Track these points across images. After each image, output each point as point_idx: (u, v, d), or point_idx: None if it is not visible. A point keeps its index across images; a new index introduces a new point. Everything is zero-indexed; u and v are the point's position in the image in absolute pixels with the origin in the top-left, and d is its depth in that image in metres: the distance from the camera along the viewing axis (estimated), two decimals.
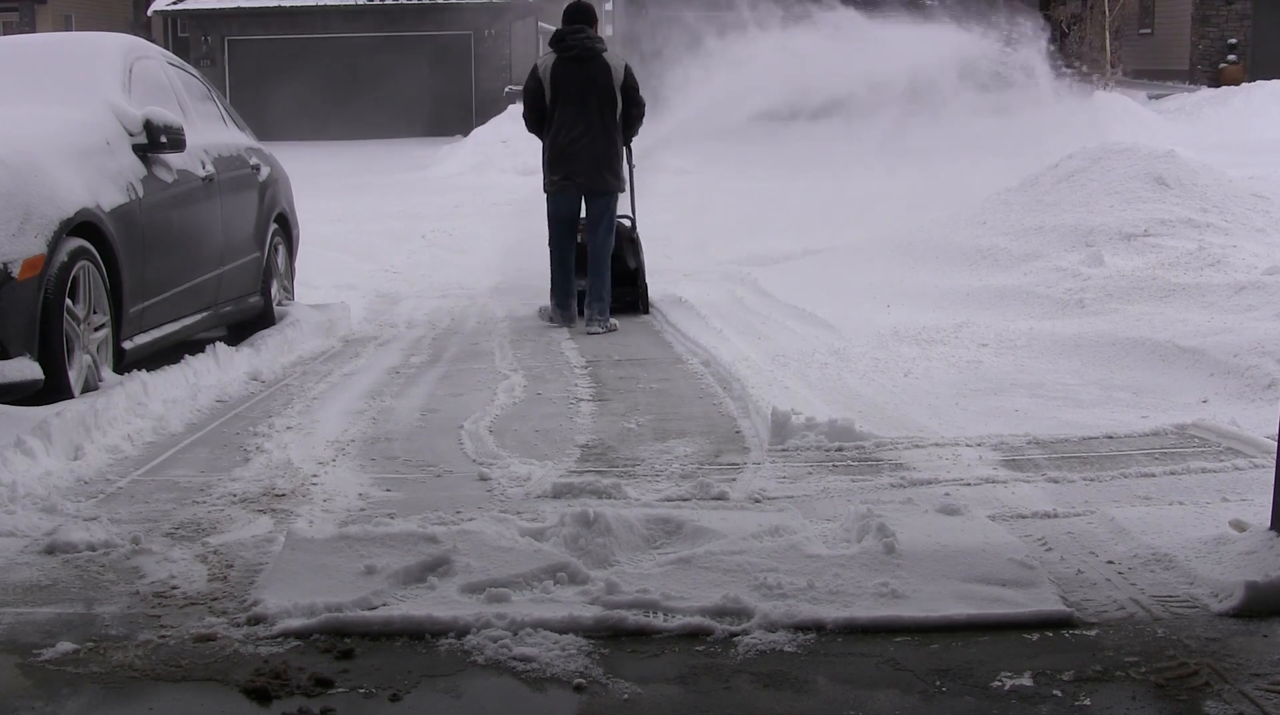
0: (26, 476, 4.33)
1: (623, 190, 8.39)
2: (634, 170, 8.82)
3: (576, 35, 8.12)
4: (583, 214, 8.40)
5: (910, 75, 14.82)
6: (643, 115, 8.41)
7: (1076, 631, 3.14)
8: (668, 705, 2.80)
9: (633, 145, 8.62)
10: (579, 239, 8.43)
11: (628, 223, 8.96)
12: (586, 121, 8.07)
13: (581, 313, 8.37)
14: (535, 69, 8.25)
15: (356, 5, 29.74)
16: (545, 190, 8.34)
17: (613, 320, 8.26)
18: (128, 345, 5.95)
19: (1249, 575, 3.29)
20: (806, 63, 13.13)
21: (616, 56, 8.18)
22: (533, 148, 9.21)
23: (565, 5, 8.42)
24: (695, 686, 2.88)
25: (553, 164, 8.19)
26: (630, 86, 8.17)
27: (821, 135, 15.77)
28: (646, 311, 8.91)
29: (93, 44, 6.96)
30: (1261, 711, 2.73)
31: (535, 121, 8.33)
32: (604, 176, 8.15)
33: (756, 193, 15.50)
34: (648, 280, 9.08)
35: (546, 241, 8.50)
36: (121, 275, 5.79)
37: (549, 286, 8.57)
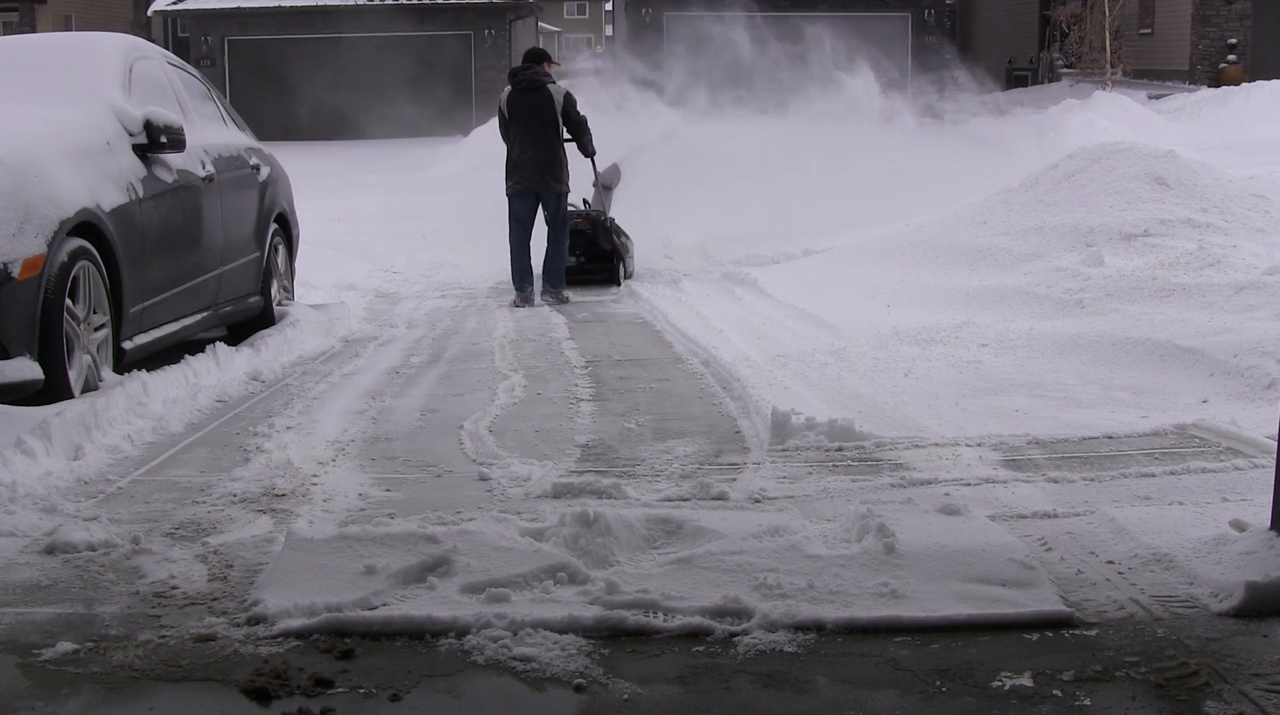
0: (26, 476, 4.33)
1: (564, 189, 10.20)
2: (618, 180, 11.24)
3: (526, 71, 10.19)
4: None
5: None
6: (587, 130, 10.33)
7: (1076, 631, 3.14)
8: (668, 705, 2.80)
9: (617, 162, 10.96)
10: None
11: (603, 216, 10.97)
12: (532, 138, 10.02)
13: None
14: (500, 99, 10.34)
15: (356, 5, 29.74)
16: (506, 194, 10.18)
17: (565, 292, 10.14)
18: (128, 345, 5.95)
19: (1249, 575, 3.29)
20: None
21: (558, 89, 10.16)
22: None
23: (526, 50, 10.74)
24: (695, 686, 2.88)
25: (509, 171, 10.16)
26: (569, 109, 10.12)
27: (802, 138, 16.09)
28: (619, 284, 10.80)
29: (93, 44, 6.96)
30: (1261, 711, 2.73)
31: (505, 140, 10.36)
32: (547, 181, 10.07)
33: (757, 191, 15.49)
34: (631, 262, 11.12)
35: (539, 241, 10.21)
36: (121, 275, 5.79)
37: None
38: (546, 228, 10.21)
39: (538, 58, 10.36)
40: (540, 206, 10.14)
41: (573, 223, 10.59)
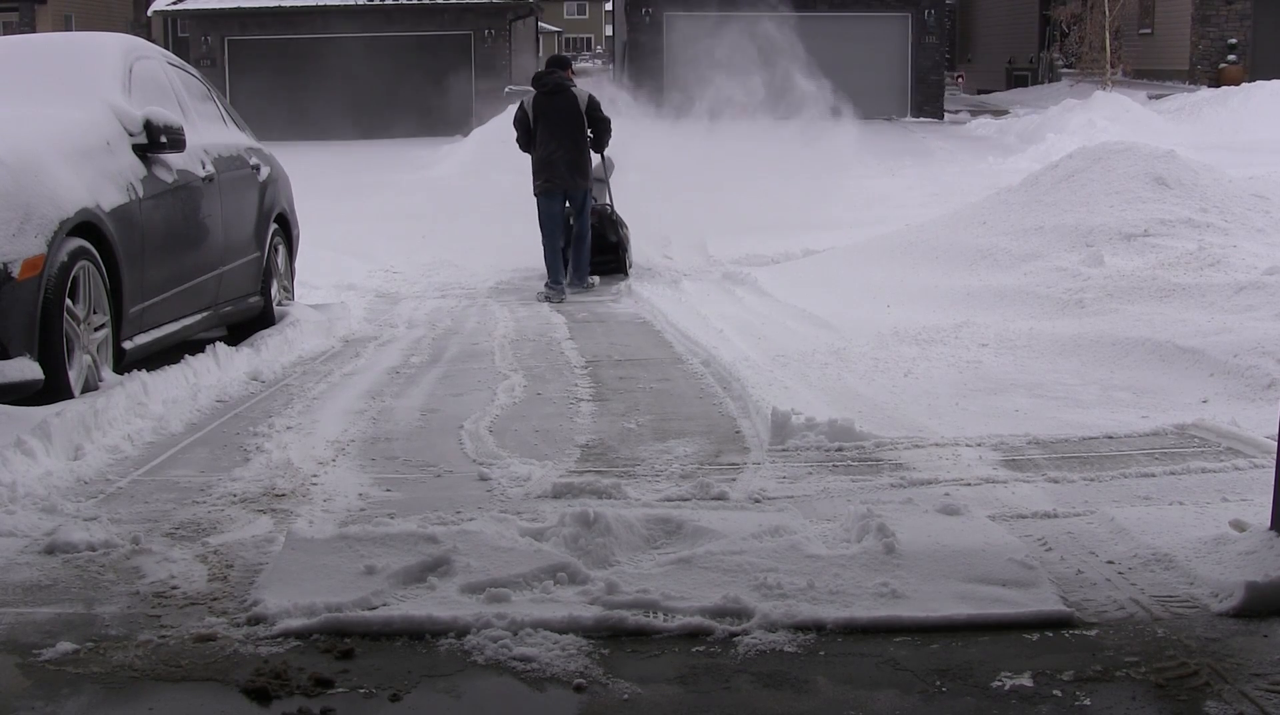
0: (26, 476, 4.33)
1: (589, 187, 10.72)
2: (611, 170, 11.56)
3: (551, 76, 10.67)
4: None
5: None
6: (608, 130, 10.83)
7: (1076, 631, 3.14)
8: (668, 705, 2.80)
9: (607, 153, 11.19)
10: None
11: (609, 209, 11.47)
12: (559, 139, 10.50)
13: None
14: (522, 103, 10.83)
15: (356, 5, 29.72)
16: (534, 193, 10.65)
17: (591, 278, 10.86)
18: (128, 345, 5.95)
19: (1249, 575, 3.29)
20: None
21: (582, 91, 10.67)
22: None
23: (548, 56, 11.50)
24: (695, 686, 2.88)
25: (538, 171, 10.59)
26: (593, 109, 10.64)
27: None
28: (626, 274, 11.38)
29: (93, 44, 6.95)
30: (1261, 711, 2.73)
31: (524, 142, 10.78)
32: (575, 179, 10.58)
33: (757, 191, 15.50)
34: (631, 252, 11.70)
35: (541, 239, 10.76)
36: (121, 275, 5.79)
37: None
38: (571, 224, 10.69)
39: (561, 64, 10.96)
40: (567, 202, 10.61)
41: None
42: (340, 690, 2.85)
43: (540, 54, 38.33)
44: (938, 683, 2.89)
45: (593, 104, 10.62)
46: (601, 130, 10.73)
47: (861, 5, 29.12)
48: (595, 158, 11.11)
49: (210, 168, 7.03)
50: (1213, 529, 3.70)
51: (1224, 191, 9.11)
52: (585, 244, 10.74)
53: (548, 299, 10.23)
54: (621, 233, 11.51)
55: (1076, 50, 32.78)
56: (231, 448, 5.09)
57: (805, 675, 2.93)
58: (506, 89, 27.49)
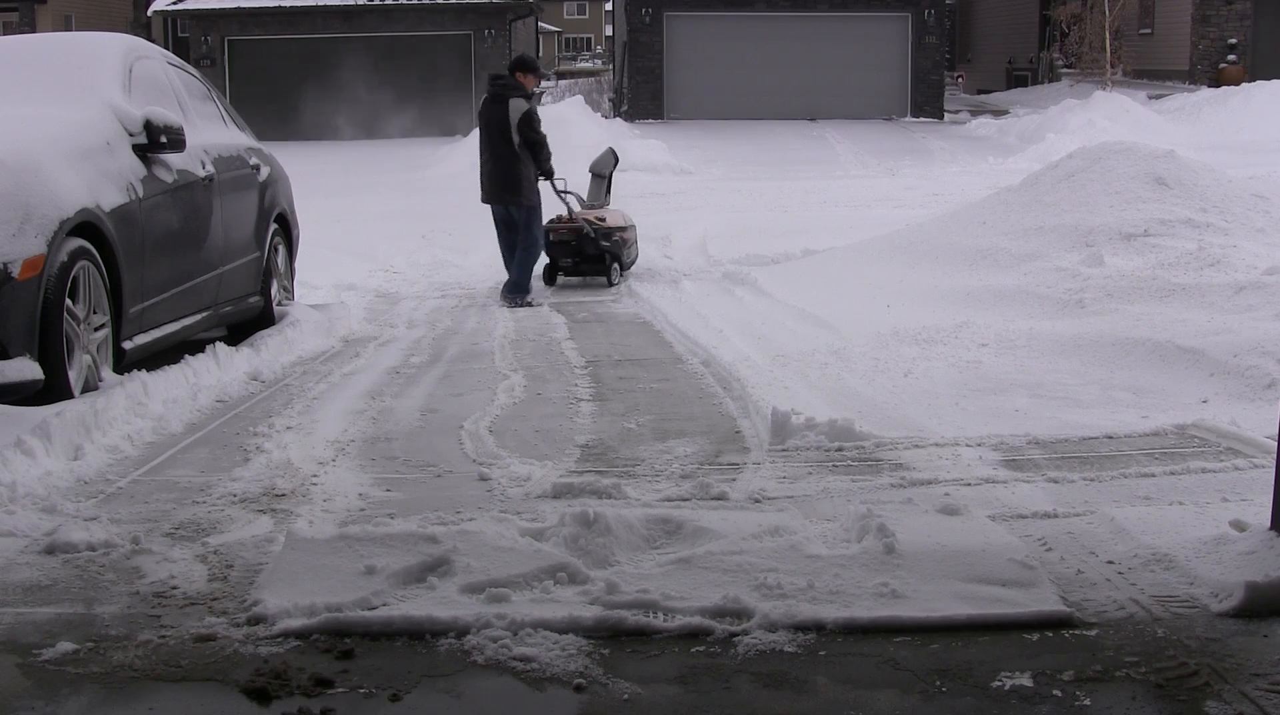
0: (26, 476, 4.33)
1: (524, 204, 9.99)
2: (612, 165, 11.16)
3: (497, 81, 10.16)
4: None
5: None
6: (540, 150, 9.90)
7: (1076, 631, 3.14)
8: (668, 705, 2.80)
9: (610, 146, 11.01)
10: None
11: (587, 228, 10.72)
12: (491, 150, 10.00)
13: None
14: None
15: (356, 5, 29.72)
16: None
17: (529, 298, 9.89)
18: (128, 345, 5.95)
19: (1249, 575, 3.29)
20: None
21: (519, 104, 9.86)
22: None
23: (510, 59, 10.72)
24: (695, 686, 2.88)
25: (479, 181, 10.21)
26: (524, 127, 9.83)
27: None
28: (612, 284, 10.75)
29: (93, 44, 6.95)
30: (1261, 711, 2.73)
31: None
32: (502, 193, 10.03)
33: (757, 192, 15.52)
34: (632, 254, 11.19)
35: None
36: (121, 275, 5.79)
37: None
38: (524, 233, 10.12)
39: (514, 67, 10.21)
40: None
41: (559, 235, 10.64)
42: (340, 690, 2.85)
43: (540, 54, 38.32)
44: (938, 683, 2.89)
45: (524, 120, 9.77)
46: (535, 151, 9.84)
47: (861, 5, 29.12)
48: (594, 155, 11.02)
49: (210, 168, 7.03)
50: (1213, 529, 3.71)
51: (1224, 191, 9.10)
52: (525, 266, 9.96)
53: (514, 305, 9.83)
54: (614, 238, 10.76)
55: (1076, 50, 32.77)
56: (231, 448, 5.09)
57: (805, 675, 2.93)
58: None
